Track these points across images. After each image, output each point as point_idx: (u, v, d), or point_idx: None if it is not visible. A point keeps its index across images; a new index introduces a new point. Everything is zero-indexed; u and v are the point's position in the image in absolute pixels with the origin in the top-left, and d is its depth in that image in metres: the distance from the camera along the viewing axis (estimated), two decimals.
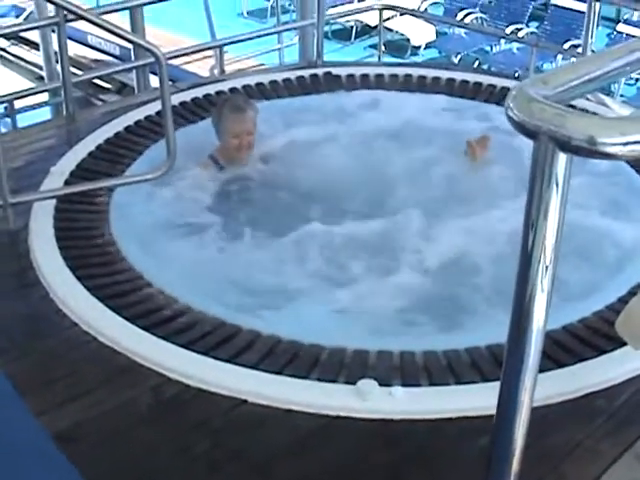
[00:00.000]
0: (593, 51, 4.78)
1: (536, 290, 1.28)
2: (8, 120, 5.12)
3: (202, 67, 7.62)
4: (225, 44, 5.24)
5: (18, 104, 4.94)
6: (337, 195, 3.53)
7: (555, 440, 2.08)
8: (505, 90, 4.02)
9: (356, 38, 11.21)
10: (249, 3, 12.81)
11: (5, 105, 4.95)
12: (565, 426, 2.16)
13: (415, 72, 4.66)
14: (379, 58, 6.03)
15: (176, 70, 6.63)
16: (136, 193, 3.30)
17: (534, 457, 1.56)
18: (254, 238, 3.17)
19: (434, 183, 3.62)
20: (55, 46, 4.85)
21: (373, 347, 2.44)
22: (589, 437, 2.11)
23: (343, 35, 11.27)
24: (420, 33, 10.81)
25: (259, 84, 4.44)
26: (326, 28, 8.04)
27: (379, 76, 4.61)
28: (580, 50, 5.17)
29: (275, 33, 6.85)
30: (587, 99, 4.05)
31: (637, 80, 9.40)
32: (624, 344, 2.03)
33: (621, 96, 8.32)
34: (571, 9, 9.79)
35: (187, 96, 4.22)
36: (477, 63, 10.19)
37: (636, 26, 9.84)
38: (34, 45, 8.26)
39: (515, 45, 9.93)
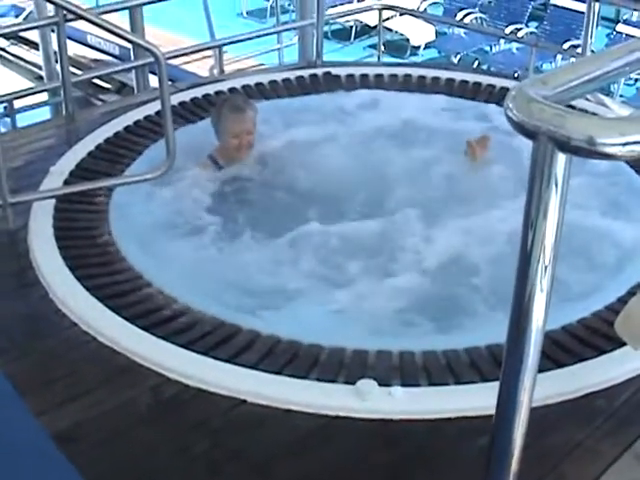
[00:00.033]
0: (593, 51, 4.78)
1: (535, 290, 1.28)
2: (7, 120, 5.11)
3: (201, 67, 7.62)
4: (224, 44, 5.24)
5: (17, 104, 4.93)
6: (336, 195, 3.53)
7: (554, 440, 2.08)
8: (504, 90, 4.02)
9: (356, 38, 11.21)
10: (248, 3, 12.80)
11: (4, 105, 4.94)
12: (564, 426, 2.16)
13: (414, 72, 4.66)
14: (379, 58, 6.03)
15: (175, 70, 6.63)
16: (136, 193, 3.30)
17: (533, 457, 1.57)
18: (253, 238, 3.17)
19: (433, 183, 3.62)
20: (54, 46, 4.84)
21: (372, 347, 2.44)
22: (588, 437, 2.11)
23: (343, 35, 11.27)
24: (419, 33, 10.81)
25: (258, 84, 4.44)
26: (326, 28, 8.02)
27: (379, 76, 4.61)
28: (579, 50, 5.17)
29: (274, 33, 6.85)
30: (587, 99, 4.05)
31: (636, 80, 9.40)
32: (623, 344, 2.03)
33: (620, 96, 8.32)
34: (570, 9, 9.79)
35: (186, 96, 4.22)
36: (476, 63, 10.20)
37: (636, 26, 9.84)
38: (33, 45, 8.25)
39: (514, 45, 9.93)
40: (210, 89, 4.34)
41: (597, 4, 4.54)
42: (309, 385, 2.28)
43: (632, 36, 9.15)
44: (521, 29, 10.24)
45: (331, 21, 9.10)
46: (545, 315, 1.32)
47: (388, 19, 9.78)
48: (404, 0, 8.39)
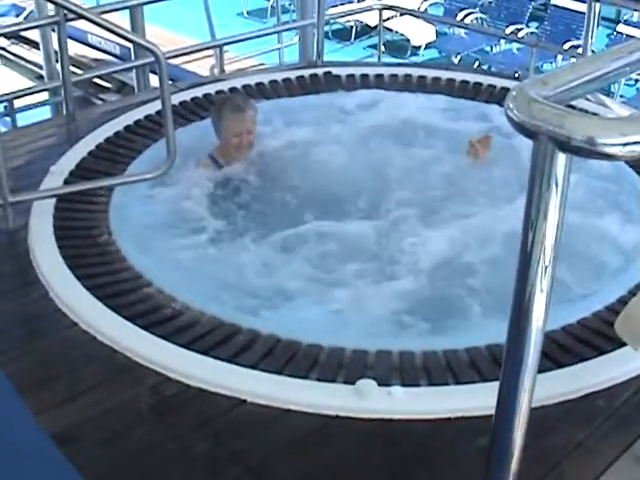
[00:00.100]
0: (593, 52, 4.78)
1: (535, 290, 1.28)
2: (8, 119, 5.11)
3: (202, 67, 7.61)
4: (225, 44, 5.25)
5: (18, 103, 4.93)
6: (336, 195, 3.52)
7: (554, 440, 2.08)
8: (505, 90, 4.02)
9: (356, 38, 11.20)
10: (249, 3, 12.80)
11: (5, 104, 4.94)
12: (564, 426, 2.16)
13: (415, 72, 4.66)
14: (379, 58, 6.03)
15: (176, 69, 6.64)
16: (136, 192, 3.30)
17: (533, 457, 1.57)
18: (253, 238, 3.17)
19: (433, 183, 3.61)
20: (55, 45, 4.85)
21: (372, 347, 2.44)
22: (588, 437, 2.11)
23: (343, 35, 11.27)
24: (420, 33, 10.80)
25: (259, 84, 4.44)
26: (326, 28, 8.02)
27: (379, 76, 4.61)
28: (580, 51, 5.17)
29: (275, 33, 6.84)
30: (587, 99, 4.05)
31: (637, 81, 9.39)
32: (623, 344, 2.03)
33: (621, 97, 8.32)
34: (571, 9, 9.78)
35: (187, 96, 4.23)
36: (477, 63, 10.19)
37: (636, 27, 9.84)
38: (34, 44, 8.25)
39: (515, 45, 9.93)
40: (210, 89, 4.34)
41: (597, 4, 4.54)
42: (309, 385, 2.28)
43: (632, 37, 9.14)
44: (521, 29, 10.24)
45: (332, 21, 9.11)
46: (545, 315, 1.32)
47: (389, 19, 9.79)
48: (404, 0, 8.40)
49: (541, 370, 1.41)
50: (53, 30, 4.55)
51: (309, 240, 3.14)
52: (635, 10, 8.54)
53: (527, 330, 1.32)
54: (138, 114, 3.99)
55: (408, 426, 2.15)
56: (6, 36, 8.36)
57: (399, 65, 6.14)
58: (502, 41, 10.23)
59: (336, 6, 9.93)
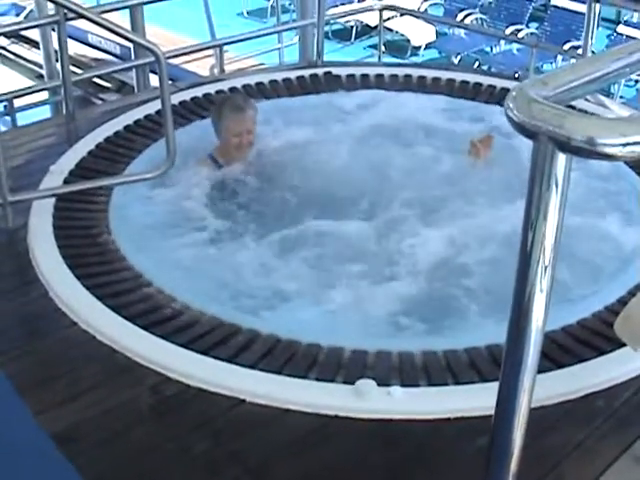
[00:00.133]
0: (593, 52, 4.78)
1: (535, 290, 1.28)
2: (8, 118, 5.11)
3: (202, 66, 7.61)
4: (225, 43, 5.25)
5: (18, 102, 4.93)
6: (336, 195, 3.52)
7: (554, 441, 2.08)
8: (505, 91, 4.02)
9: (356, 38, 11.21)
10: (249, 2, 12.80)
11: (5, 103, 4.94)
12: (564, 427, 2.16)
13: (415, 72, 4.66)
14: (379, 58, 6.02)
15: (176, 69, 6.64)
16: (135, 192, 3.30)
17: (533, 457, 1.57)
18: (253, 237, 3.17)
19: (434, 183, 3.61)
20: (55, 44, 4.85)
21: (372, 347, 2.44)
22: (588, 438, 2.11)
23: (343, 35, 11.27)
24: (420, 33, 10.81)
25: (259, 84, 4.44)
26: (326, 28, 8.02)
27: (379, 76, 4.61)
28: (580, 51, 5.17)
29: (275, 33, 6.85)
30: (587, 100, 4.05)
31: (637, 82, 9.39)
32: (623, 345, 2.03)
33: (621, 97, 8.32)
34: (571, 10, 9.79)
35: (187, 95, 4.23)
36: (477, 64, 10.19)
37: (636, 28, 9.85)
38: (34, 43, 8.26)
39: (515, 46, 9.94)
40: (210, 88, 4.34)
41: (598, 5, 4.54)
42: (308, 385, 2.28)
43: (633, 37, 9.15)
44: (521, 30, 10.24)
45: (332, 21, 9.11)
46: (545, 315, 1.32)
47: (389, 19, 9.79)
48: (405, 0, 8.39)
49: (541, 370, 1.41)
50: (53, 29, 4.55)
51: (309, 240, 3.14)
52: (635, 11, 8.55)
53: (527, 330, 1.32)
54: (138, 114, 3.99)
55: (407, 426, 2.15)
56: (6, 35, 8.36)
57: (399, 65, 6.14)
58: (502, 41, 10.24)
59: (336, 6, 9.94)
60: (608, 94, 7.58)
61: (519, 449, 1.45)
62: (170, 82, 3.30)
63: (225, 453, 2.07)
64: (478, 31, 10.14)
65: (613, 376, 2.30)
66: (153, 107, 3.90)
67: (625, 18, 10.62)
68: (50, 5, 4.76)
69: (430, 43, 10.94)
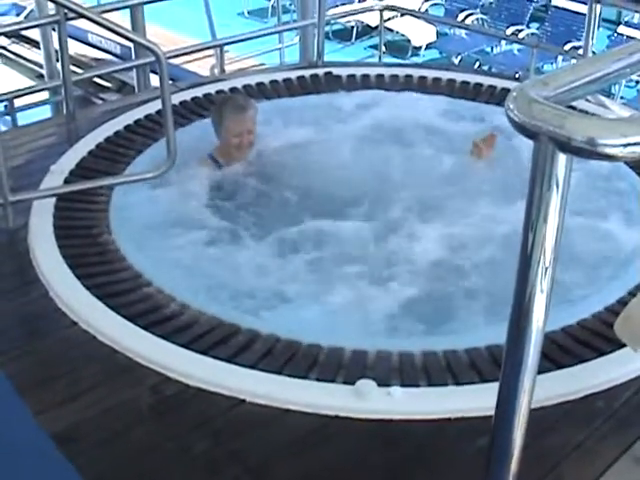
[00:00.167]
0: (594, 53, 4.78)
1: (535, 291, 1.28)
2: (8, 118, 5.11)
3: (202, 66, 7.61)
4: (226, 43, 5.25)
5: (18, 102, 4.93)
6: (337, 195, 3.52)
7: (554, 441, 2.08)
8: (505, 91, 4.01)
9: (357, 38, 11.21)
10: (250, 2, 12.81)
11: (5, 103, 4.94)
12: (564, 427, 2.16)
13: (416, 73, 4.66)
14: (380, 58, 6.02)
15: (176, 69, 6.64)
16: (136, 192, 3.30)
17: (532, 458, 1.57)
18: (253, 237, 3.17)
19: (434, 184, 3.61)
20: (55, 44, 4.85)
21: (372, 347, 2.44)
22: (588, 438, 2.11)
23: (344, 35, 11.28)
24: (421, 34, 10.81)
25: (259, 84, 4.44)
26: (327, 28, 8.04)
27: (380, 76, 4.61)
28: (581, 52, 5.17)
29: (276, 33, 6.85)
30: (587, 101, 4.05)
31: (637, 82, 9.40)
32: (623, 346, 2.03)
33: (621, 98, 8.32)
34: (572, 10, 9.80)
35: (187, 95, 4.23)
36: (478, 64, 10.20)
37: (637, 28, 9.85)
38: (34, 43, 8.26)
39: (516, 46, 9.94)
40: (211, 88, 4.34)
41: (598, 6, 4.54)
42: (308, 385, 2.28)
43: (633, 38, 9.16)
44: (522, 30, 10.25)
45: (332, 21, 9.11)
46: (545, 316, 1.32)
47: (389, 19, 9.80)
48: (405, 1, 8.40)
49: (541, 371, 1.41)
50: (53, 29, 4.56)
51: (309, 240, 3.14)
52: (636, 11, 8.56)
53: (527, 331, 1.32)
54: (138, 114, 3.99)
55: (408, 426, 2.15)
56: (6, 35, 8.36)
57: (400, 66, 6.12)
58: (503, 42, 10.25)
59: (337, 6, 9.94)
60: (609, 95, 7.57)
61: (519, 450, 1.45)
62: (170, 82, 3.30)
63: (225, 453, 2.07)
64: (479, 31, 10.15)
65: (613, 377, 2.30)
66: (153, 107, 3.90)
67: (626, 19, 10.63)
68: (50, 5, 4.76)
69: (431, 43, 10.95)
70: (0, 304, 2.69)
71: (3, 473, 1.65)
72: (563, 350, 2.43)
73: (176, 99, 3.92)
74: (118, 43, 9.15)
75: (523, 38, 9.66)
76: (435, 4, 11.59)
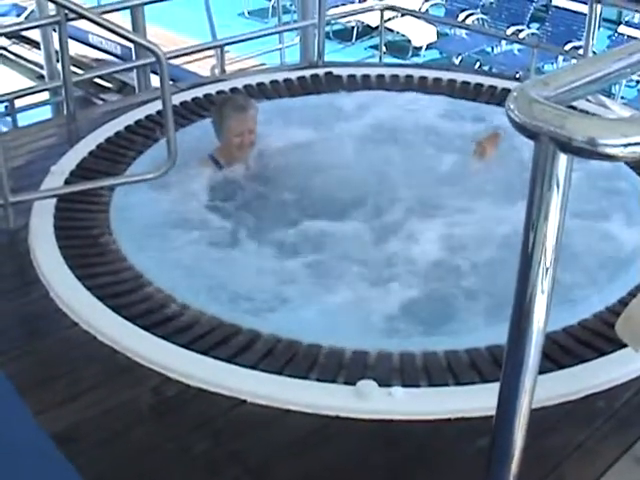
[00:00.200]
0: (594, 53, 4.78)
1: (536, 291, 1.28)
2: (9, 119, 5.12)
3: (202, 67, 7.62)
4: (226, 44, 5.25)
5: (19, 103, 4.94)
6: (337, 196, 3.52)
7: (554, 441, 2.08)
8: (506, 91, 4.02)
9: (357, 39, 11.22)
10: (250, 3, 12.81)
11: (6, 104, 4.94)
12: (564, 427, 2.16)
13: (416, 73, 4.66)
14: (380, 59, 6.02)
15: (177, 70, 6.64)
16: (136, 192, 3.29)
17: (533, 458, 1.56)
18: (254, 238, 3.17)
19: (435, 184, 3.61)
20: (56, 45, 4.85)
21: (372, 348, 2.44)
22: (588, 439, 2.11)
23: (344, 35, 11.28)
24: (421, 34, 10.81)
25: (260, 84, 4.44)
26: (327, 28, 8.04)
27: (380, 77, 4.61)
28: (581, 52, 5.17)
29: (276, 33, 6.86)
30: (587, 101, 4.05)
31: (638, 82, 9.40)
32: (624, 346, 2.03)
33: (622, 98, 8.32)
34: (572, 10, 9.79)
35: (188, 96, 4.23)
36: (478, 64, 10.20)
37: (637, 28, 9.85)
38: (35, 44, 8.26)
39: (516, 46, 9.94)
40: (211, 89, 4.34)
41: (599, 5, 4.54)
42: (309, 385, 2.28)
43: (634, 38, 9.15)
44: (523, 30, 10.25)
45: (333, 21, 9.11)
46: (546, 316, 1.32)
47: (390, 20, 9.79)
48: (406, 1, 8.40)
49: (542, 371, 1.41)
50: (54, 30, 4.56)
51: (310, 240, 3.14)
52: (636, 11, 8.55)
53: (528, 331, 1.31)
54: (139, 114, 3.99)
55: (408, 427, 2.15)
56: (7, 36, 8.37)
57: (400, 66, 6.13)
58: (503, 42, 10.24)
59: (337, 6, 9.94)
60: (609, 95, 7.57)
61: (520, 450, 1.45)
62: (171, 82, 3.30)
63: (225, 453, 2.07)
64: (479, 31, 10.15)
65: (614, 377, 2.30)
66: (154, 107, 3.90)
67: (626, 19, 10.63)
68: (51, 6, 4.76)
69: (431, 43, 10.94)
70: (0, 304, 2.69)
71: (3, 473, 1.65)
72: (564, 350, 2.43)
73: (177, 99, 3.93)
74: (118, 44, 9.15)
75: (523, 38, 9.66)
76: (435, 4, 11.60)
